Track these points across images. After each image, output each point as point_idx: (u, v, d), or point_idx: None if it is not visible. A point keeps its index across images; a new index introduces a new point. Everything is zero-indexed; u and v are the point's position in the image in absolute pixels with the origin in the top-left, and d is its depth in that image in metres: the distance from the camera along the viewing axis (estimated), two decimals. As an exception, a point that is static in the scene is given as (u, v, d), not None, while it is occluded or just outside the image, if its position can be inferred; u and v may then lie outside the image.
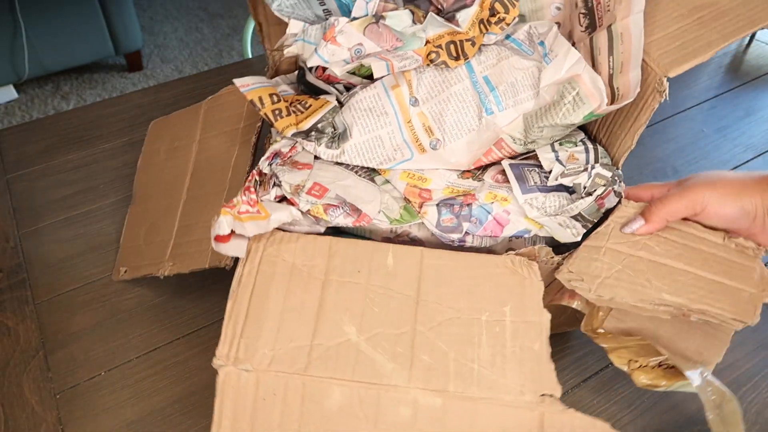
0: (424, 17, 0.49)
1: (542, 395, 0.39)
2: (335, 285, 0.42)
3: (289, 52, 0.50)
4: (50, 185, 0.74)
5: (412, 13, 0.49)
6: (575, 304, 0.48)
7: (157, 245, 0.60)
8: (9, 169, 0.76)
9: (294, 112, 0.49)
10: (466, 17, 0.48)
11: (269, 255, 0.43)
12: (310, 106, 0.49)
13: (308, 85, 0.53)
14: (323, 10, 0.51)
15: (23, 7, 1.63)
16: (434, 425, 0.38)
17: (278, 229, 0.44)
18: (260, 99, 0.48)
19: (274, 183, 0.46)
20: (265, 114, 0.48)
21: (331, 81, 0.53)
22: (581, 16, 0.48)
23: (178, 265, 0.56)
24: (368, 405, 0.39)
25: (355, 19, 0.47)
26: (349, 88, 0.53)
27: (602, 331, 0.49)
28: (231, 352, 0.39)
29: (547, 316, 0.42)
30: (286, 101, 0.49)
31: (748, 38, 1.00)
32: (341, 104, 0.50)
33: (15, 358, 0.56)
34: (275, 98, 0.49)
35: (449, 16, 0.49)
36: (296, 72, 0.57)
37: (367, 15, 0.49)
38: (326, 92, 0.52)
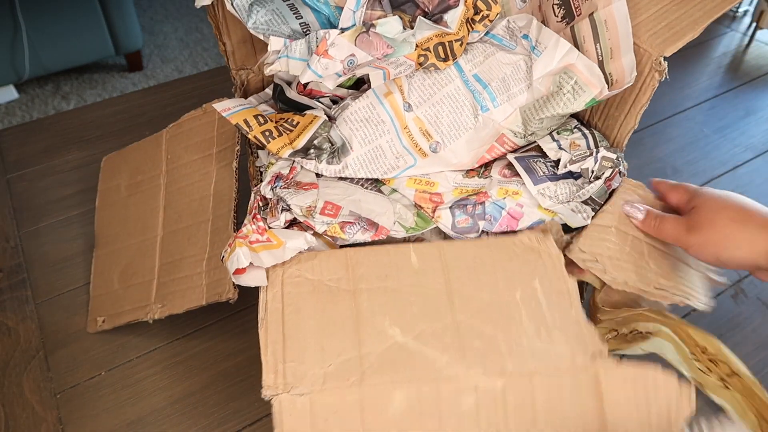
0: (412, 22, 0.48)
1: (592, 354, 0.40)
2: (366, 293, 0.42)
3: (271, 69, 0.48)
4: (50, 185, 0.74)
5: (401, 19, 0.49)
6: (587, 279, 0.48)
7: (137, 288, 0.56)
8: (9, 169, 0.76)
9: (283, 131, 0.47)
10: (454, 18, 0.47)
11: (291, 276, 0.42)
12: (298, 123, 0.48)
13: (288, 101, 0.52)
14: (300, 23, 0.50)
15: (23, 7, 1.63)
16: (497, 408, 0.38)
17: None
18: (246, 122, 0.46)
19: (283, 208, 0.45)
20: (255, 137, 0.46)
21: (313, 95, 0.52)
22: (555, 6, 0.48)
23: (168, 306, 0.52)
24: (431, 401, 0.38)
25: (344, 30, 0.46)
26: (334, 100, 0.52)
27: (607, 308, 0.49)
28: (278, 380, 0.38)
29: (573, 282, 0.43)
30: (272, 120, 0.48)
31: (748, 38, 1.00)
32: (330, 118, 0.49)
33: (15, 358, 0.57)
34: (261, 119, 0.47)
35: (436, 18, 0.48)
36: (266, 90, 0.56)
37: (354, 25, 0.48)
38: (309, 107, 0.51)
